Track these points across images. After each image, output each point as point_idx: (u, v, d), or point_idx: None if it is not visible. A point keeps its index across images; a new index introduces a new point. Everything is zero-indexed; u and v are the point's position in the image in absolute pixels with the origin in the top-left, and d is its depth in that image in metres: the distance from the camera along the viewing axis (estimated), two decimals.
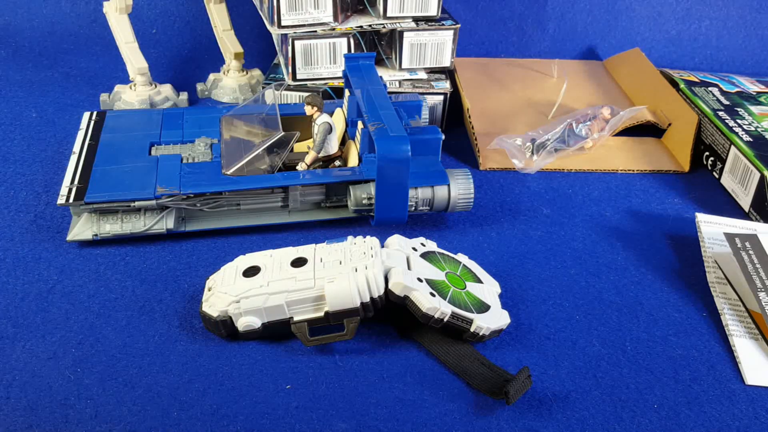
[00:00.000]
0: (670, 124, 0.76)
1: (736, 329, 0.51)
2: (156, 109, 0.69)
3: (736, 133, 0.69)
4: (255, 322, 0.47)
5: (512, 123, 0.77)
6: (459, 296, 0.48)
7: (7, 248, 0.56)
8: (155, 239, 0.58)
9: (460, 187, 0.59)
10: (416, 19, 0.75)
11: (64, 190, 0.56)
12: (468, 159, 0.73)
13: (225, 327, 0.47)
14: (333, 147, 0.62)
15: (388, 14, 0.74)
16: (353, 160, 0.61)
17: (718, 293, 0.55)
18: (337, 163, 0.63)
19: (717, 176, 0.71)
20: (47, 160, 0.69)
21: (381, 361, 0.47)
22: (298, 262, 0.49)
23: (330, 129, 0.60)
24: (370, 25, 0.73)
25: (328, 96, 0.74)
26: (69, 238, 0.56)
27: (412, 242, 0.52)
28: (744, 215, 0.65)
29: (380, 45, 0.77)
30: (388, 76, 0.75)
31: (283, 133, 0.59)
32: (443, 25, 0.74)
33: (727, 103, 0.76)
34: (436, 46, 0.75)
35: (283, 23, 0.71)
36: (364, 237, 0.50)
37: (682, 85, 0.81)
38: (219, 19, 0.81)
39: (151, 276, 0.54)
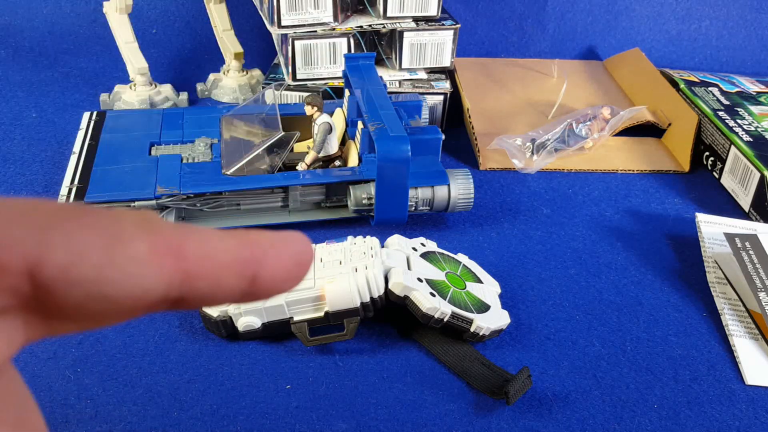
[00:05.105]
0: (670, 124, 0.76)
1: (736, 329, 0.51)
2: (156, 109, 0.69)
3: (736, 133, 0.69)
4: (255, 322, 0.47)
5: (512, 123, 0.77)
6: (459, 296, 0.48)
7: None
8: None
9: (460, 187, 0.59)
10: (416, 19, 0.75)
11: (64, 190, 0.56)
12: (468, 159, 0.73)
13: (225, 327, 0.47)
14: (333, 147, 0.62)
15: (388, 14, 0.74)
16: (353, 160, 0.61)
17: (718, 293, 0.55)
18: (337, 163, 0.63)
19: (717, 176, 0.71)
20: (47, 160, 0.69)
21: (381, 361, 0.47)
22: None
23: (330, 129, 0.60)
24: (370, 25, 0.73)
25: (328, 96, 0.74)
26: None
27: (412, 242, 0.52)
28: (744, 215, 0.65)
29: (380, 45, 0.77)
30: (388, 76, 0.75)
31: (283, 133, 0.59)
32: (443, 25, 0.74)
33: (727, 103, 0.76)
34: (436, 46, 0.75)
35: (283, 23, 0.71)
36: (364, 237, 0.50)
37: (682, 85, 0.81)
38: (219, 19, 0.81)
39: None
